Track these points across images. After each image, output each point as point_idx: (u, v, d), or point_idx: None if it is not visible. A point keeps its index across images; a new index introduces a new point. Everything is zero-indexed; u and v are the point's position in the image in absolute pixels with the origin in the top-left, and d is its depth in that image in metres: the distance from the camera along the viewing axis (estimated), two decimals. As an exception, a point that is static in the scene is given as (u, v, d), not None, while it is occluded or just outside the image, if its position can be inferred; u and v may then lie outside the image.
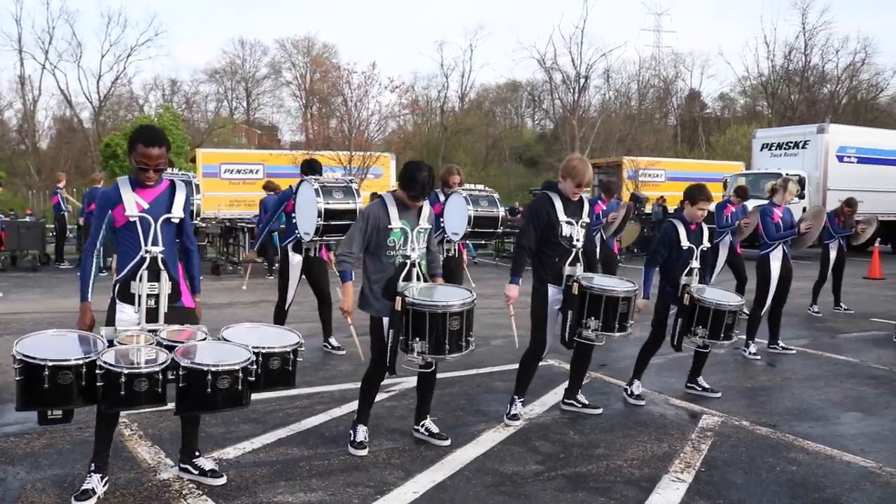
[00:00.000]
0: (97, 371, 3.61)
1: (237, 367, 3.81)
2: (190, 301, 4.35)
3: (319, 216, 6.95)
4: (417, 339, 4.58)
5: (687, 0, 75.00)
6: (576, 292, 5.34)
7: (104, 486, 4.05)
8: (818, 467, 4.77)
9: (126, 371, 3.60)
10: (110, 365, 3.61)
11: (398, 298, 4.60)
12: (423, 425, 5.12)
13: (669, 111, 59.69)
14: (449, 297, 4.70)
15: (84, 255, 4.21)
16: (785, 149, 24.24)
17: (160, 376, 3.68)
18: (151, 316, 4.14)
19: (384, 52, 73.20)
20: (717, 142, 49.56)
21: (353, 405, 5.79)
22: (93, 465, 4.06)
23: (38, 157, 45.46)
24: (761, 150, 25.20)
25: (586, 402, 5.87)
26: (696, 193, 6.16)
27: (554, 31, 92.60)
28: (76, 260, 16.57)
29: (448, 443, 4.99)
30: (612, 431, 5.38)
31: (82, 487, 3.98)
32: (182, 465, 4.35)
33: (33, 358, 3.57)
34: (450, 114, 55.84)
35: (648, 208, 25.58)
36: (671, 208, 29.22)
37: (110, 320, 4.13)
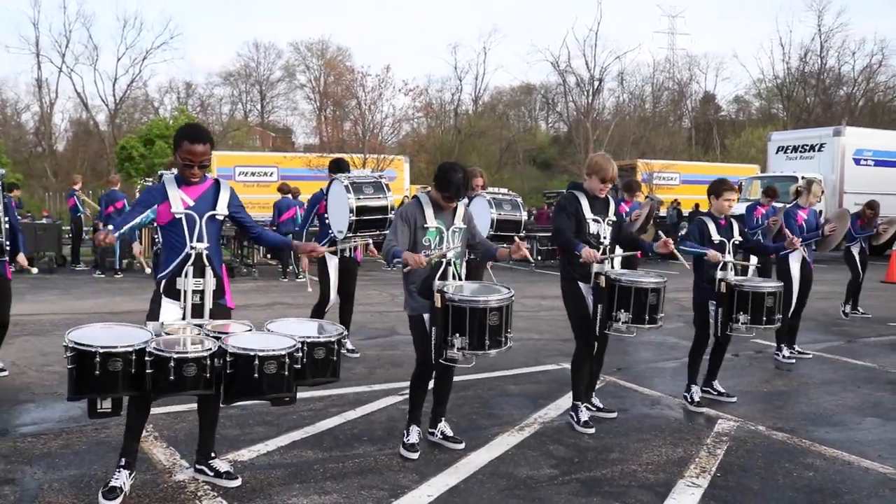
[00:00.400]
0: (146, 358, 3.66)
1: (283, 353, 3.85)
2: (231, 301, 4.41)
3: (351, 212, 6.85)
4: (458, 334, 4.57)
5: (701, 2, 74.86)
6: (604, 285, 5.35)
7: (132, 480, 4.09)
8: (836, 473, 4.72)
9: (175, 356, 3.64)
10: (159, 350, 3.66)
11: (437, 295, 4.60)
12: (437, 428, 5.12)
13: (684, 114, 59.52)
14: (487, 293, 4.72)
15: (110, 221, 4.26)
16: (801, 152, 24.13)
17: (208, 361, 3.72)
18: (196, 312, 4.18)
19: (398, 54, 73.40)
20: (732, 145, 49.38)
21: (367, 408, 5.82)
22: (122, 460, 4.08)
23: (54, 159, 45.86)
24: (777, 152, 25.11)
25: (601, 406, 5.85)
26: (718, 186, 6.19)
27: (568, 34, 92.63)
28: (92, 262, 16.70)
29: (462, 446, 4.97)
30: (626, 436, 5.35)
31: (110, 484, 4.00)
32: (197, 467, 4.36)
33: (85, 345, 3.63)
34: (463, 116, 55.94)
35: (663, 211, 25.52)
36: (685, 211, 29.21)
37: (154, 315, 4.15)
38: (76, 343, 3.65)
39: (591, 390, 5.91)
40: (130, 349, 3.68)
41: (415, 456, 4.77)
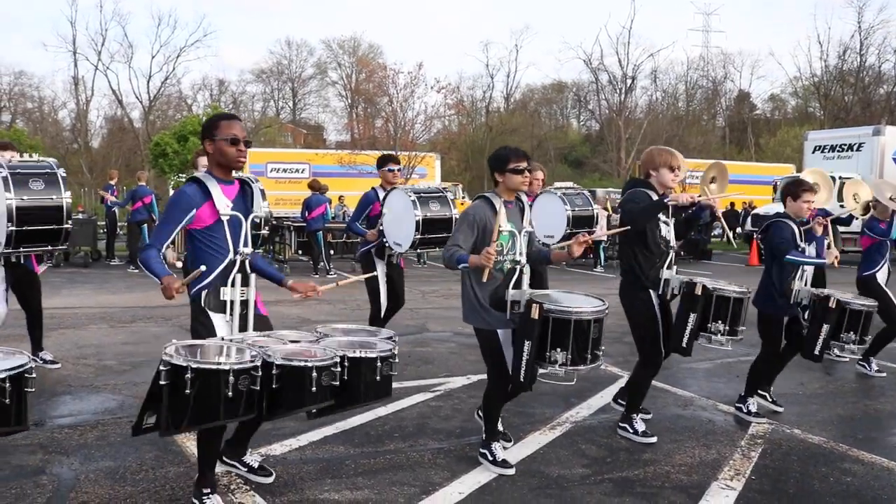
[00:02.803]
0: (273, 371, 3.36)
1: (388, 354, 3.72)
2: (264, 309, 4.17)
3: (417, 229, 6.50)
4: (559, 349, 4.25)
5: (737, -1, 73.83)
6: (699, 293, 5.02)
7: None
8: (874, 479, 4.63)
9: (315, 364, 3.37)
10: (299, 360, 3.38)
11: (535, 306, 4.18)
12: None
13: (718, 112, 58.96)
14: (581, 303, 4.43)
15: (148, 250, 3.75)
16: (838, 151, 23.68)
17: (338, 368, 3.49)
18: (242, 324, 3.90)
19: (430, 52, 73.48)
20: (767, 144, 48.77)
21: (398, 404, 5.81)
22: (206, 488, 3.83)
23: (90, 155, 46.56)
24: (813, 152, 24.68)
25: (640, 430, 5.44)
26: (796, 188, 5.70)
27: (601, 32, 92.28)
28: (126, 257, 16.90)
29: (511, 444, 4.88)
30: (659, 436, 5.27)
31: None
32: (228, 461, 4.31)
33: (213, 364, 3.21)
34: (495, 114, 55.93)
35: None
36: (719, 211, 28.84)
37: (208, 333, 3.78)
38: (200, 363, 3.18)
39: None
40: (254, 364, 3.28)
41: (511, 472, 4.47)
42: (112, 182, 17.91)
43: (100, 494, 4.04)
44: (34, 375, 3.27)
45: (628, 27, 59.13)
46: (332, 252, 17.42)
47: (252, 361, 3.29)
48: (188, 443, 4.82)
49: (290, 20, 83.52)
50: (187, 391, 3.15)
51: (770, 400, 6.06)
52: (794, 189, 5.72)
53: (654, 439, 5.12)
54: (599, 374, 7.05)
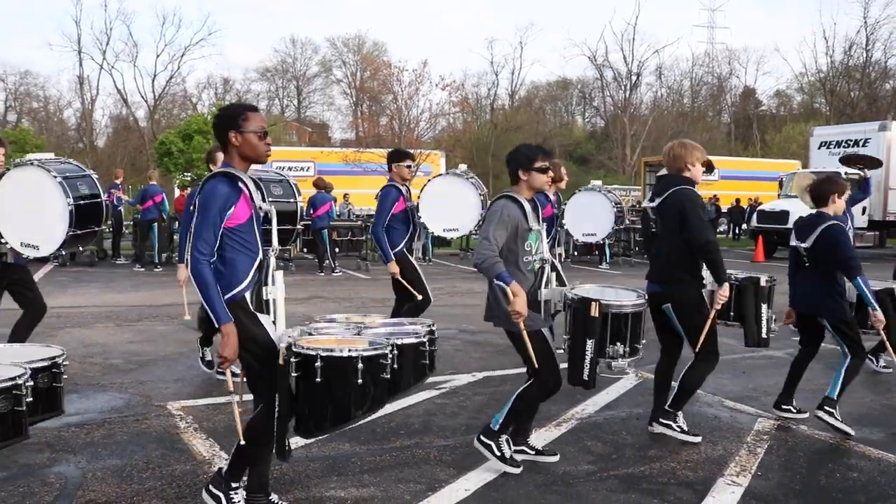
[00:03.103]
0: (393, 353, 3.34)
1: (434, 332, 3.84)
2: None
3: (483, 206, 6.52)
4: (618, 343, 4.34)
5: (742, -5, 73.67)
6: (765, 286, 5.37)
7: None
8: (881, 474, 4.62)
9: (423, 340, 3.51)
10: (411, 338, 3.46)
11: (593, 304, 4.21)
12: (527, 444, 4.70)
13: (723, 109, 58.84)
14: (621, 295, 4.59)
15: (200, 265, 3.30)
16: (844, 147, 23.58)
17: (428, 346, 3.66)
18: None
19: (434, 49, 73.47)
20: (773, 140, 48.64)
21: (404, 402, 5.79)
22: (235, 483, 3.66)
23: (95, 154, 46.65)
24: (819, 148, 24.62)
25: (685, 429, 5.30)
26: (840, 186, 5.48)
27: (605, 28, 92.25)
28: (132, 256, 16.94)
29: (556, 458, 4.64)
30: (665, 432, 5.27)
31: None
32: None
33: (380, 349, 3.24)
34: (499, 111, 55.84)
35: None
36: (724, 207, 28.79)
37: (265, 336, 3.45)
38: (369, 351, 3.14)
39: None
40: (389, 347, 3.27)
41: (518, 470, 4.40)
42: (118, 181, 17.98)
43: (106, 493, 4.05)
44: (67, 363, 3.49)
45: (633, 23, 58.64)
46: (337, 250, 17.45)
47: (386, 345, 3.32)
48: (194, 441, 4.83)
49: (294, 19, 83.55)
50: (359, 381, 3.13)
51: (795, 411, 5.74)
52: (841, 187, 5.50)
53: (698, 439, 5.03)
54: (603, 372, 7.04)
